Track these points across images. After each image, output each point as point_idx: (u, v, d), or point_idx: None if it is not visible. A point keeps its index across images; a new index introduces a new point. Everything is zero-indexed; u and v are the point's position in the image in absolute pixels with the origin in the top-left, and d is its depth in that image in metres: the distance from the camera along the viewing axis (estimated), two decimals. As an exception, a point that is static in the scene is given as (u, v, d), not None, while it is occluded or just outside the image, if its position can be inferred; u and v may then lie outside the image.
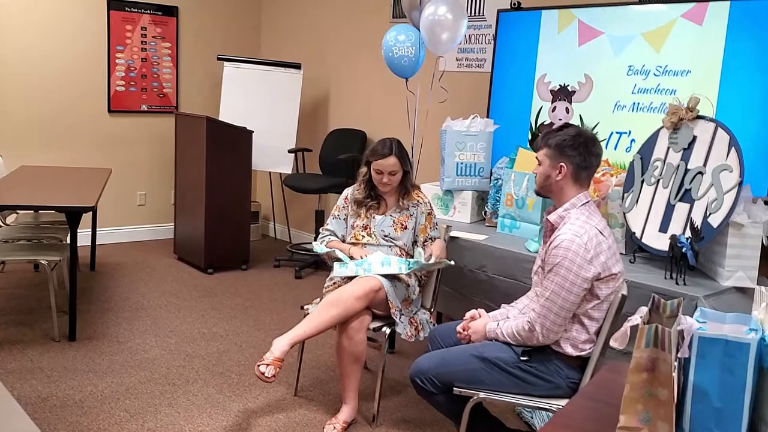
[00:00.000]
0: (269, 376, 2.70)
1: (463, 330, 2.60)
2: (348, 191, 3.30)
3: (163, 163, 5.85)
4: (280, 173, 5.78)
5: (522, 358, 2.42)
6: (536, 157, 2.53)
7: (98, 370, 3.40)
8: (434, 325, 3.18)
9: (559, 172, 2.43)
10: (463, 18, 3.74)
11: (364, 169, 3.21)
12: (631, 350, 1.44)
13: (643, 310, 1.55)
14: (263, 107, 5.55)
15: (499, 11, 4.16)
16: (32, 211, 4.75)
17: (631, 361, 1.41)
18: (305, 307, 3.18)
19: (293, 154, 5.59)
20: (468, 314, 2.67)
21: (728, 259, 2.76)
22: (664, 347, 1.38)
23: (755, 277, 2.78)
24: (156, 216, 6.02)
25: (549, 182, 2.47)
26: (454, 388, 2.45)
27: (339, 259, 3.12)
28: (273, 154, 5.53)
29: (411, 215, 3.19)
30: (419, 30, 3.84)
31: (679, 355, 1.44)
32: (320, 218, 5.45)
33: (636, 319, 1.49)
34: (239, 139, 5.15)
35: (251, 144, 5.21)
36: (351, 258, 3.12)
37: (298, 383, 3.32)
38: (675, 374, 1.39)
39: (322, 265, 5.37)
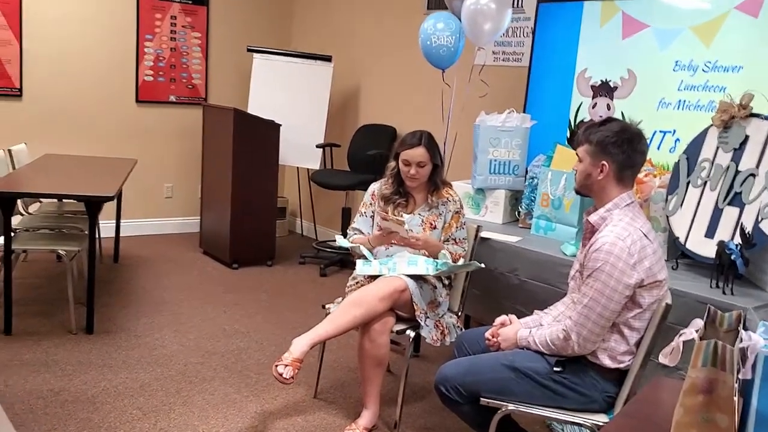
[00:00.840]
0: (287, 377, 2.57)
1: (493, 336, 2.44)
2: (375, 186, 3.16)
3: (190, 156, 5.77)
4: (308, 169, 5.67)
5: (555, 369, 2.25)
6: (576, 154, 2.36)
7: (114, 365, 3.31)
8: (461, 329, 3.02)
9: (601, 171, 2.25)
10: (507, 8, 3.58)
11: (392, 163, 3.06)
12: (680, 367, 1.28)
13: (698, 322, 1.38)
14: (292, 100, 5.44)
15: (539, 2, 3.98)
16: (56, 200, 4.70)
17: (685, 380, 1.24)
18: (327, 306, 3.04)
19: (321, 150, 5.47)
20: (498, 320, 2.51)
21: (781, 269, 2.56)
22: (725, 367, 1.21)
23: (811, 288, 2.57)
24: (182, 209, 5.95)
25: (590, 181, 2.30)
26: (482, 399, 2.29)
27: (363, 257, 2.99)
28: (301, 148, 5.41)
29: (440, 214, 3.03)
30: (460, 19, 3.67)
31: (740, 377, 1.27)
32: (347, 215, 5.33)
33: (690, 333, 1.33)
34: (267, 132, 5.04)
35: (279, 138, 5.10)
36: (374, 252, 2.98)
37: (318, 385, 3.19)
38: (735, 398, 1.23)
39: (348, 263, 5.26)
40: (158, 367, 3.33)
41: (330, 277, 5.06)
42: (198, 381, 3.22)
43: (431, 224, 3.02)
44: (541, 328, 2.36)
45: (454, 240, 3.01)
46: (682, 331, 1.37)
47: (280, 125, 5.08)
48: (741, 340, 1.27)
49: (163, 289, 4.48)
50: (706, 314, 1.38)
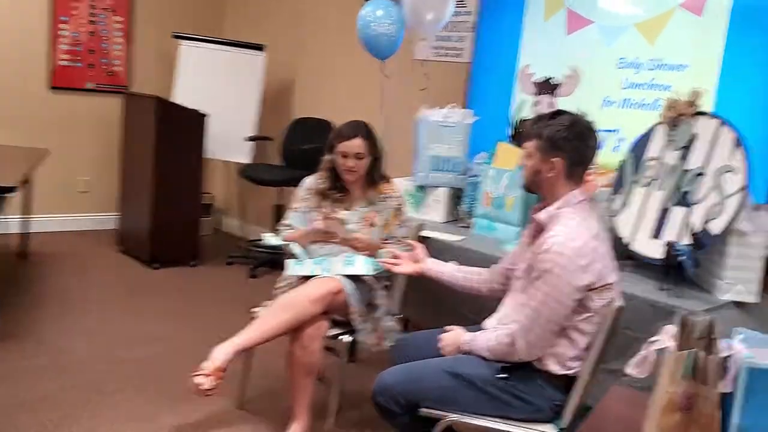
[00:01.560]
0: (207, 388, 2.33)
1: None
2: (309, 180, 2.94)
3: (109, 147, 5.37)
4: (237, 163, 5.39)
5: (500, 375, 2.09)
6: (524, 148, 2.21)
7: (14, 374, 2.98)
8: (401, 333, 2.84)
9: (552, 168, 2.11)
10: (450, -2, 3.43)
11: (328, 156, 2.85)
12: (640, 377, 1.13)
13: (670, 329, 1.23)
14: (221, 91, 5.15)
15: (480, -6, 3.86)
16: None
17: (659, 395, 1.09)
18: (254, 310, 2.81)
19: (252, 143, 5.20)
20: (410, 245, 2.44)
21: (728, 271, 2.48)
22: (706, 380, 1.06)
23: (756, 291, 2.50)
24: (99, 204, 5.55)
25: (539, 178, 2.15)
26: (422, 409, 2.12)
27: (295, 256, 2.77)
28: (230, 141, 5.13)
29: (379, 211, 2.84)
30: (400, 7, 3.50)
31: (719, 390, 1.12)
32: (279, 213, 5.06)
33: (664, 342, 1.17)
34: (192, 123, 4.74)
35: (205, 129, 4.81)
36: (307, 251, 2.77)
37: (243, 394, 2.95)
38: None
39: (280, 264, 4.96)
40: (64, 375, 3.02)
41: (260, 278, 4.80)
42: (108, 391, 2.92)
43: (370, 222, 2.82)
44: (485, 332, 2.20)
45: (395, 238, 2.83)
46: (652, 339, 1.22)
47: (207, 115, 4.78)
48: (719, 351, 1.13)
49: (75, 290, 4.13)
50: (679, 321, 1.23)
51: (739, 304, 2.51)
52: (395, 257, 2.57)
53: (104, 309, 3.87)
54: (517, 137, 3.56)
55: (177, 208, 4.72)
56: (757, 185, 2.68)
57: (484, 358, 2.14)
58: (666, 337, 1.19)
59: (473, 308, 2.95)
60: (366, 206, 2.84)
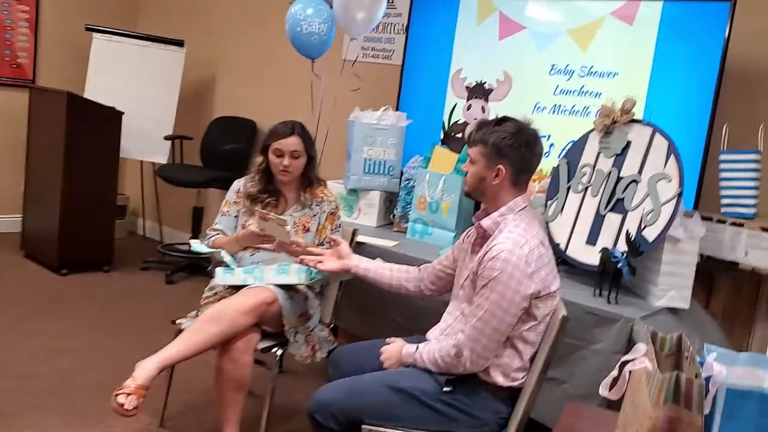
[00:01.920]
0: (129, 408, 2.15)
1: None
2: (239, 183, 2.78)
3: (12, 145, 5.00)
4: (154, 163, 5.13)
5: (445, 389, 2.02)
6: (468, 155, 2.15)
7: None
8: (334, 344, 2.73)
9: (497, 175, 2.06)
10: (381, -2, 3.34)
11: (260, 158, 2.70)
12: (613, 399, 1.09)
13: (642, 348, 1.18)
14: (137, 87, 4.88)
15: (412, -3, 3.80)
16: None
17: (641, 421, 1.04)
18: (178, 321, 2.62)
19: (170, 143, 4.96)
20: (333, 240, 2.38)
21: (662, 277, 2.51)
22: (691, 405, 1.01)
23: (688, 297, 2.54)
24: (1, 206, 5.16)
25: (484, 185, 2.10)
26: (363, 426, 2.02)
27: (223, 264, 2.61)
28: (146, 140, 4.87)
29: (314, 215, 2.72)
30: (331, 6, 3.39)
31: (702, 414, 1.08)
32: (198, 215, 4.87)
33: (641, 362, 1.12)
34: (106, 120, 4.46)
35: (120, 127, 4.54)
36: (237, 258, 2.62)
37: (165, 410, 2.76)
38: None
39: (198, 269, 4.79)
40: (-37, 395, 2.75)
41: (178, 284, 4.57)
42: (15, 411, 2.67)
43: (304, 226, 2.69)
44: (428, 344, 2.12)
45: (330, 243, 2.71)
46: (624, 359, 1.17)
47: (122, 113, 4.52)
48: (696, 370, 1.08)
49: (-26, 298, 3.80)
50: (649, 336, 1.19)
51: (671, 310, 2.54)
52: (318, 254, 2.45)
53: (7, 320, 3.56)
54: (449, 141, 3.53)
55: (89, 209, 4.42)
56: (685, 192, 2.74)
57: (427, 371, 2.07)
58: (639, 356, 1.13)
59: (406, 316, 2.89)
60: (300, 210, 2.72)
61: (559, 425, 1.43)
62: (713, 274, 2.74)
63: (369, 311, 3.03)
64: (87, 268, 4.50)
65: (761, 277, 2.74)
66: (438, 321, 2.31)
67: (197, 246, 2.67)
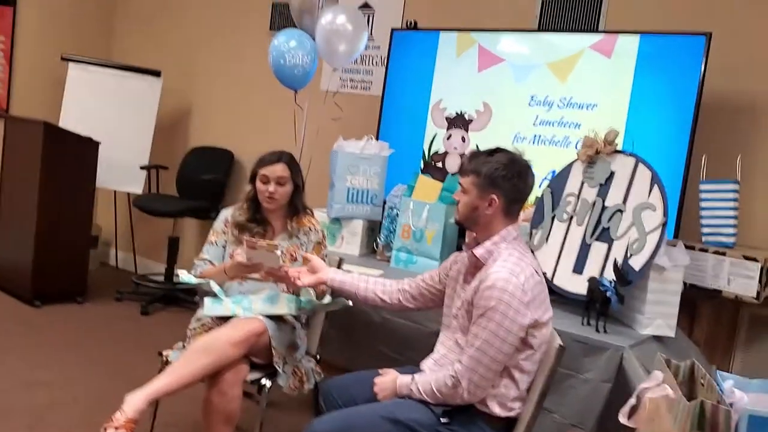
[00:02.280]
0: (118, 443, 2.09)
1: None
2: (227, 212, 2.76)
3: (-17, 174, 4.90)
4: (128, 193, 5.07)
5: (442, 419, 2.01)
6: (460, 184, 2.16)
7: None
8: (320, 375, 2.70)
9: (490, 205, 2.08)
10: (363, 30, 3.40)
11: (248, 187, 2.69)
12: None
13: (659, 375, 1.20)
14: (113, 117, 4.83)
15: (393, 30, 3.85)
16: None
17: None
18: (165, 353, 2.58)
19: (145, 172, 4.91)
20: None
21: (648, 306, 2.55)
22: (717, 430, 1.03)
23: (674, 325, 2.58)
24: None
25: (476, 214, 2.11)
26: (359, 458, 1.99)
27: (211, 294, 2.57)
28: (122, 170, 4.81)
29: (301, 244, 2.70)
30: (313, 38, 3.42)
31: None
32: (174, 245, 4.80)
33: (662, 389, 1.14)
34: (83, 150, 4.41)
35: (96, 157, 4.48)
36: (225, 289, 2.59)
37: (149, 446, 2.70)
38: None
39: (174, 299, 4.72)
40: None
41: (153, 315, 4.49)
42: (-8, 450, 2.59)
43: (292, 255, 2.67)
44: (423, 374, 2.11)
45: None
46: (643, 387, 1.18)
47: (99, 143, 4.46)
48: (719, 398, 1.10)
49: (-57, 332, 3.68)
50: (664, 364, 1.21)
51: (657, 338, 2.58)
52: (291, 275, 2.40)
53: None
54: (429, 169, 3.56)
55: (63, 240, 4.35)
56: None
57: (423, 402, 2.06)
58: (655, 384, 1.15)
59: (393, 346, 2.88)
60: (288, 239, 2.70)
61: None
62: (696, 302, 2.79)
63: (354, 342, 3.01)
64: (60, 300, 4.40)
65: (740, 304, 2.80)
66: (425, 350, 2.31)
67: (185, 277, 2.63)
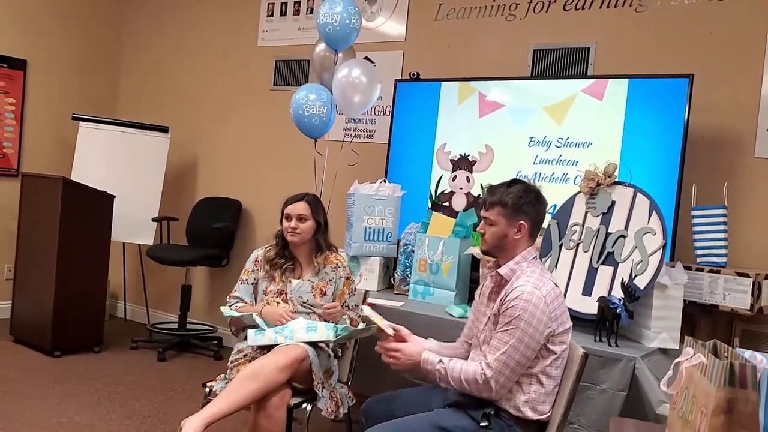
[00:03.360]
0: (182, 464, 2.25)
1: (389, 350, 2.37)
2: (258, 253, 2.99)
3: (-3, 232, 5.07)
4: (139, 245, 5.25)
5: (482, 424, 2.21)
6: (486, 217, 2.36)
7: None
8: (353, 400, 2.89)
9: (518, 230, 2.32)
10: (376, 82, 3.67)
11: (279, 227, 2.94)
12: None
13: (690, 351, 1.44)
14: (123, 172, 5.04)
15: (396, 81, 4.15)
16: None
17: (710, 401, 1.27)
18: (209, 384, 2.75)
19: (156, 224, 5.10)
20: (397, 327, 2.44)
21: (653, 321, 2.78)
22: (746, 384, 1.26)
23: (678, 338, 2.82)
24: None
25: (505, 241, 2.33)
26: (409, 466, 2.18)
27: (253, 326, 2.77)
28: (133, 223, 5.00)
29: (330, 280, 2.93)
30: (330, 91, 3.70)
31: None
32: (187, 294, 4.96)
33: (697, 358, 1.37)
34: (99, 204, 4.60)
35: (112, 211, 4.68)
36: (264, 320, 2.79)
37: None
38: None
39: (187, 347, 4.86)
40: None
41: (170, 361, 4.62)
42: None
43: (321, 290, 2.90)
44: (453, 360, 2.28)
45: (347, 307, 2.93)
46: (677, 361, 1.41)
47: (114, 196, 4.67)
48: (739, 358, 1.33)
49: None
50: (692, 342, 1.44)
51: (662, 351, 2.81)
52: (393, 350, 2.43)
53: (13, 400, 3.57)
54: (437, 209, 3.81)
55: (81, 291, 4.50)
56: (663, 245, 3.07)
57: (462, 409, 2.25)
58: (690, 356, 1.38)
59: (413, 372, 3.06)
60: (316, 275, 2.92)
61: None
62: (695, 317, 3.04)
63: (378, 370, 3.19)
64: (78, 350, 4.52)
65: (734, 317, 3.05)
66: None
67: (227, 311, 2.82)
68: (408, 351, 2.36)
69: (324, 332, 2.73)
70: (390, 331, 2.44)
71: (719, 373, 1.25)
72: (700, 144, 3.33)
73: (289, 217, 2.90)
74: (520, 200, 2.31)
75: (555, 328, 2.21)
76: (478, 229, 2.46)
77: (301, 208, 2.91)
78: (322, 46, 3.85)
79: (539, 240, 3.21)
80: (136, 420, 3.46)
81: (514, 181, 2.40)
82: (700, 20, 3.45)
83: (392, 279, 3.59)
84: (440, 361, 2.29)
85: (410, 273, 3.46)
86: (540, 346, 2.20)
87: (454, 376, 2.24)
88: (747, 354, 1.35)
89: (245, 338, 2.83)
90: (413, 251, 3.47)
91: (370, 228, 3.57)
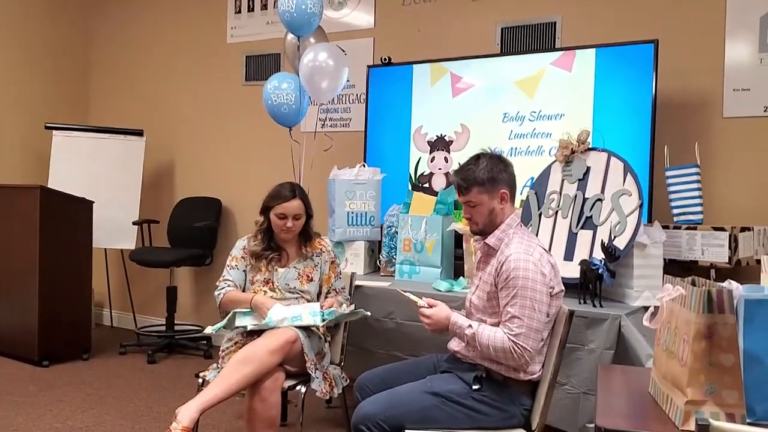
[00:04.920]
0: (179, 449, 2.26)
1: (423, 316, 2.37)
2: (244, 241, 2.99)
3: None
4: (122, 250, 5.23)
5: (474, 387, 2.25)
6: (468, 201, 2.37)
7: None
8: (347, 380, 2.91)
9: (502, 199, 2.35)
10: (344, 65, 3.68)
11: (260, 218, 2.93)
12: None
13: (669, 287, 1.48)
14: (100, 178, 5.02)
15: (369, 67, 4.17)
16: None
17: (691, 327, 1.32)
18: (202, 374, 2.76)
19: (136, 228, 5.08)
20: (427, 301, 2.42)
21: (636, 280, 2.85)
22: (723, 309, 1.30)
23: (660, 295, 2.87)
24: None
25: (494, 215, 2.35)
26: (406, 431, 2.20)
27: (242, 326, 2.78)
28: (113, 228, 4.97)
29: (316, 265, 2.95)
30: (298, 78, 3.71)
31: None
32: (173, 295, 4.95)
33: (677, 290, 1.41)
34: (78, 211, 4.58)
35: (92, 217, 4.65)
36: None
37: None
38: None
39: (177, 346, 4.86)
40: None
41: (160, 363, 4.61)
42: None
43: (308, 276, 2.92)
44: (481, 326, 2.27)
45: (335, 290, 2.95)
46: (659, 296, 1.46)
47: (93, 202, 4.65)
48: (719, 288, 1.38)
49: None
50: (671, 279, 1.49)
51: (647, 309, 2.86)
52: (424, 316, 2.40)
53: (6, 410, 3.54)
54: (418, 190, 3.84)
55: (66, 299, 4.48)
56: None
57: (455, 374, 2.29)
58: (670, 291, 1.42)
59: (406, 350, 3.11)
60: (302, 262, 2.94)
61: (601, 381, 1.68)
62: (675, 275, 3.09)
63: (370, 352, 3.23)
64: (67, 358, 4.50)
65: (713, 271, 3.11)
66: (438, 348, 2.57)
67: (211, 329, 2.81)
68: (437, 316, 2.35)
69: (309, 318, 2.73)
70: (422, 302, 2.43)
71: (698, 301, 1.30)
72: (670, 107, 3.40)
73: (283, 216, 2.85)
74: (492, 171, 2.34)
75: (552, 288, 2.24)
76: (463, 215, 2.48)
77: (296, 207, 2.87)
78: (291, 35, 3.86)
79: (519, 212, 3.26)
80: (130, 420, 3.45)
81: (477, 157, 2.40)
82: (662, -13, 3.52)
83: (378, 261, 3.62)
84: (470, 325, 2.27)
85: (395, 254, 3.49)
86: (547, 307, 2.22)
87: (482, 342, 2.22)
88: (724, 283, 1.40)
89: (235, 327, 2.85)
90: (397, 232, 3.50)
91: (352, 213, 3.59)
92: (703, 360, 1.30)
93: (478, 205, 2.35)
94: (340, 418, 3.27)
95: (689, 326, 1.31)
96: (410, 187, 3.91)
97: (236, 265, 2.94)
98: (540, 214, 3.17)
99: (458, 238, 3.40)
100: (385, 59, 4.09)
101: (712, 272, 2.96)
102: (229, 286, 2.88)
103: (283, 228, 2.86)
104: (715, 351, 1.30)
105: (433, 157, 3.92)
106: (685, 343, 1.32)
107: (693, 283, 1.46)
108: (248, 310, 2.77)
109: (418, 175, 3.95)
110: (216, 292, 2.86)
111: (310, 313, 2.78)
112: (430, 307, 2.39)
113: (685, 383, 1.30)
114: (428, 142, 3.93)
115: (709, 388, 1.30)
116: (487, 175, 2.34)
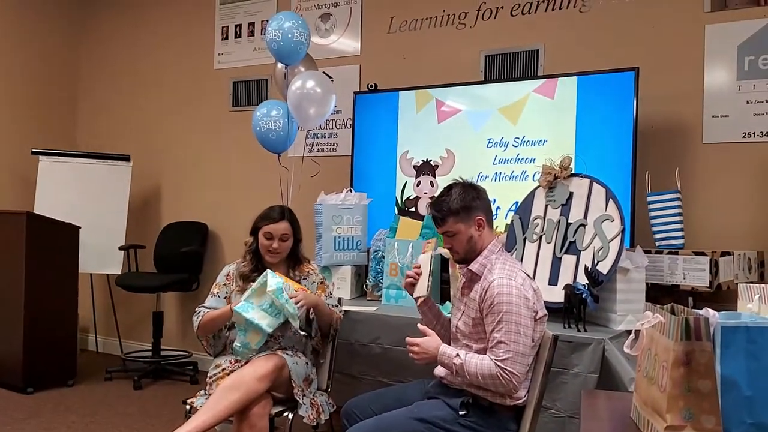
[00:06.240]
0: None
1: (410, 344, 2.36)
2: (230, 267, 3.01)
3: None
4: (107, 275, 5.21)
5: (461, 412, 2.27)
6: (445, 233, 2.42)
7: None
8: (333, 407, 2.92)
9: (479, 226, 2.40)
10: (331, 93, 3.72)
11: (249, 239, 2.95)
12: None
13: (649, 314, 1.52)
14: (86, 203, 5.00)
15: (355, 93, 4.23)
16: None
17: (669, 354, 1.35)
18: (190, 400, 2.76)
19: (123, 253, 5.07)
20: (420, 328, 2.43)
21: (619, 304, 2.88)
22: (700, 336, 1.34)
23: (643, 319, 2.91)
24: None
25: (472, 242, 2.40)
26: (392, 459, 2.22)
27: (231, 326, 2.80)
28: (99, 253, 4.96)
29: (306, 287, 2.96)
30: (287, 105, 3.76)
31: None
32: (159, 321, 4.94)
33: (656, 318, 1.45)
34: (65, 236, 4.58)
35: (78, 242, 4.65)
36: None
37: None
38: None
39: (163, 373, 4.84)
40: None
41: (146, 389, 4.58)
42: None
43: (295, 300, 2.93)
44: (469, 355, 2.29)
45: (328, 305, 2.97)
46: (639, 324, 1.50)
47: (80, 227, 4.64)
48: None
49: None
50: (651, 306, 1.53)
51: (629, 333, 2.90)
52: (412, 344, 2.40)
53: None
54: (404, 215, 3.88)
55: (52, 325, 4.46)
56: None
57: (442, 400, 2.31)
58: (650, 318, 1.46)
59: (391, 376, 3.12)
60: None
61: (585, 406, 1.71)
62: (657, 299, 3.14)
63: (353, 378, 3.24)
64: (52, 385, 4.47)
65: (694, 295, 3.15)
66: (423, 373, 2.58)
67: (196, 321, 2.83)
68: (426, 345, 2.35)
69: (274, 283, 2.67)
70: (425, 292, 2.49)
71: (676, 328, 1.34)
72: (651, 133, 3.47)
73: (270, 236, 2.87)
74: (464, 200, 2.38)
75: (537, 310, 2.28)
76: (444, 246, 2.53)
77: (283, 228, 2.89)
78: (280, 63, 3.91)
79: (503, 237, 3.30)
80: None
81: (449, 188, 2.45)
82: (642, 16, 3.61)
83: (365, 286, 3.64)
84: (457, 355, 2.29)
85: (382, 278, 3.52)
86: (532, 331, 2.25)
87: (470, 371, 2.24)
88: (701, 311, 1.44)
89: (221, 353, 2.86)
90: (383, 257, 3.52)
91: (339, 237, 3.62)
92: (681, 386, 1.33)
93: (456, 234, 2.40)
94: (328, 444, 3.27)
95: (668, 353, 1.35)
96: (396, 212, 3.95)
97: (217, 293, 2.95)
98: (525, 239, 3.21)
99: (445, 262, 3.43)
100: (371, 86, 4.15)
101: (690, 299, 3.00)
102: (206, 310, 2.88)
103: (269, 249, 2.88)
104: (693, 377, 1.33)
105: (419, 182, 3.96)
106: (665, 370, 1.35)
107: (672, 311, 1.50)
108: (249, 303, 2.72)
109: (404, 199, 3.99)
110: (194, 317, 2.87)
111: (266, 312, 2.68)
112: (424, 334, 2.40)
113: (665, 409, 1.33)
114: (414, 166, 3.98)
115: (688, 413, 1.33)
116: (460, 204, 2.38)
